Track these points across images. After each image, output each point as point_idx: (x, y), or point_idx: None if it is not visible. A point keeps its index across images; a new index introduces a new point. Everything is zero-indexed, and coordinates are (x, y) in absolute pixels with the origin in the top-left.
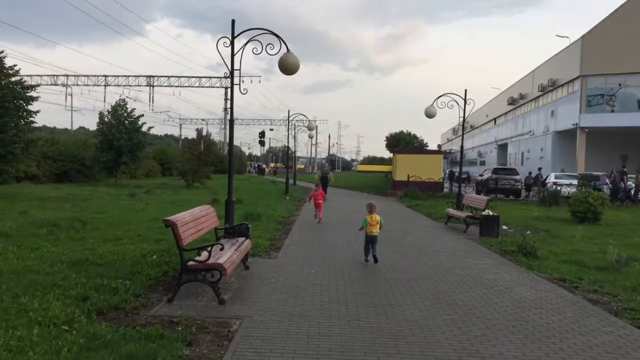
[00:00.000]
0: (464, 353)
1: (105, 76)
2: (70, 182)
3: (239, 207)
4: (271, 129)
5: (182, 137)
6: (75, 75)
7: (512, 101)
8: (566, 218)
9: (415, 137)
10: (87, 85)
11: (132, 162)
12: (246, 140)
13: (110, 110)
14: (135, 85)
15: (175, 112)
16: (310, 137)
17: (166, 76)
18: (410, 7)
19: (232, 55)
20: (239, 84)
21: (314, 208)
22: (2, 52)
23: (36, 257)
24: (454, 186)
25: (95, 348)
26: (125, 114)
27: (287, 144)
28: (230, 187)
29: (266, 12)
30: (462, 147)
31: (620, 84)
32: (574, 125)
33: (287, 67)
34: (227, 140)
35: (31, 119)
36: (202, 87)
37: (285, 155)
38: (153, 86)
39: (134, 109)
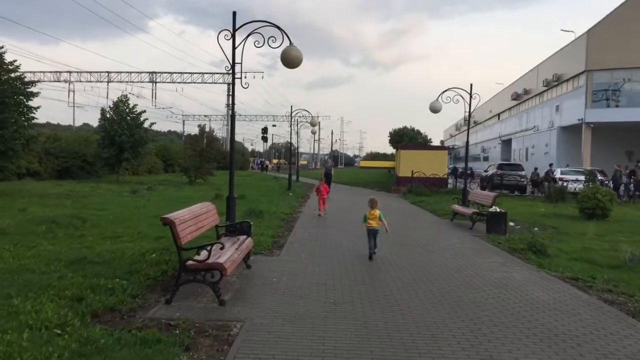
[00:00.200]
0: (477, 359)
1: (108, 72)
2: (72, 178)
3: (241, 203)
4: (274, 125)
5: (185, 134)
6: (78, 72)
7: (516, 96)
8: (574, 214)
9: (419, 132)
10: (90, 81)
11: (134, 159)
12: (249, 137)
13: (112, 106)
14: (137, 82)
15: (178, 108)
16: (313, 132)
17: (169, 72)
18: (412, 1)
19: (233, 48)
20: (241, 78)
21: (317, 202)
22: (2, 47)
23: (32, 255)
24: (459, 182)
25: (88, 354)
26: (127, 110)
27: (289, 140)
28: (231, 183)
29: (268, 8)
30: (467, 142)
31: (624, 79)
32: (579, 120)
33: (290, 60)
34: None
35: (32, 115)
36: (205, 83)
37: (288, 152)
38: (156, 82)
39: (136, 104)
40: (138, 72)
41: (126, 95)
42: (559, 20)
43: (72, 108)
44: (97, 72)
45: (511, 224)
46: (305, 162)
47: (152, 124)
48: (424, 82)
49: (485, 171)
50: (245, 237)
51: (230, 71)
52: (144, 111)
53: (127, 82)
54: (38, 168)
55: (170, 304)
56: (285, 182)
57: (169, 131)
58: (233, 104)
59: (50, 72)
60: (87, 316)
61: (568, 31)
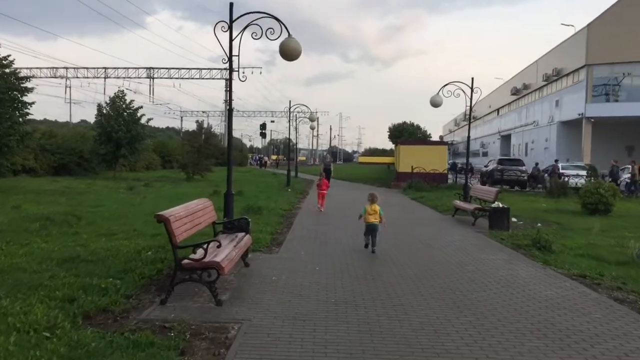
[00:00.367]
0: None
1: (105, 68)
2: (68, 175)
3: (240, 199)
4: (272, 121)
5: (183, 130)
6: (74, 68)
7: (515, 91)
8: (576, 210)
9: (418, 127)
10: (87, 77)
11: (131, 155)
12: (247, 132)
13: (108, 101)
14: (135, 77)
15: (176, 104)
16: (312, 128)
17: (166, 68)
18: None
19: (231, 40)
20: (238, 71)
21: (317, 198)
22: None
23: (25, 253)
24: (458, 178)
25: (77, 358)
26: (124, 106)
27: (288, 136)
28: (229, 179)
29: (266, 3)
30: (468, 137)
31: (624, 73)
32: (579, 115)
33: (289, 52)
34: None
35: (26, 110)
36: (203, 78)
37: (287, 148)
38: (153, 78)
39: (133, 100)
40: (135, 68)
41: (123, 90)
42: (558, 15)
43: (69, 104)
44: (94, 67)
45: (514, 219)
46: (304, 158)
47: (149, 119)
48: (423, 77)
49: (486, 166)
50: (243, 234)
51: (228, 64)
52: (141, 107)
53: (124, 78)
54: (34, 165)
55: (165, 305)
56: (284, 178)
57: (167, 127)
58: (230, 97)
59: (47, 68)
60: (78, 318)
61: (568, 25)
